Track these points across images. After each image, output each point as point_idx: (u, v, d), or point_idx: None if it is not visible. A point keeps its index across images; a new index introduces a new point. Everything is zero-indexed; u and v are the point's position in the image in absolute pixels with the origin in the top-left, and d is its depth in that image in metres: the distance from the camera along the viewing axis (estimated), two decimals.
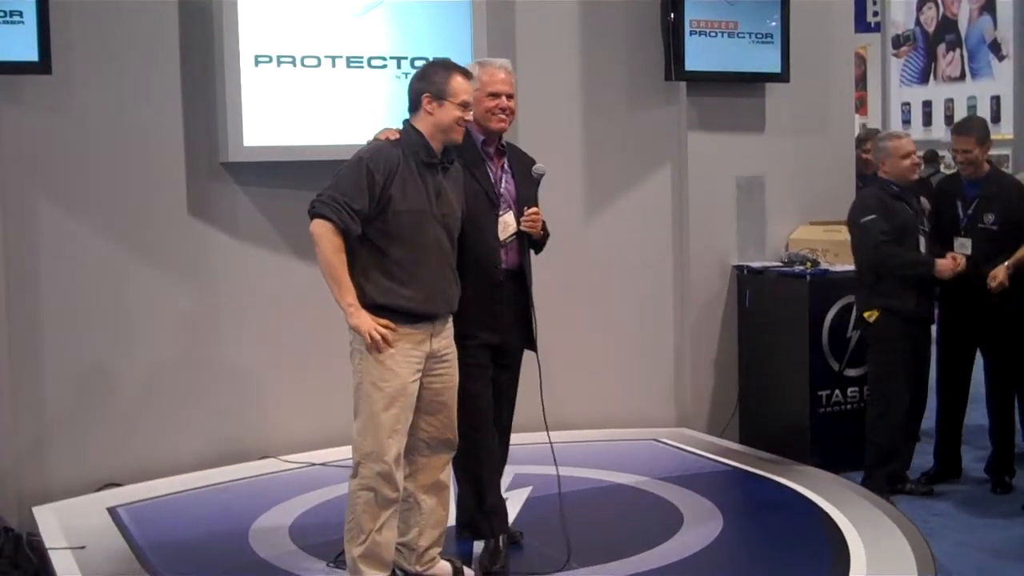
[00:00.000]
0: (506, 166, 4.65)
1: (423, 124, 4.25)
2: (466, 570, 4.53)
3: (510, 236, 4.58)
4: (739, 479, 5.79)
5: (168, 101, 5.86)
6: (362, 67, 6.11)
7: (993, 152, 8.27)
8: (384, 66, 6.15)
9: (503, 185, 4.62)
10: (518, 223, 4.57)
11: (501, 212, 4.57)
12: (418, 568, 4.43)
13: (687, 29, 6.56)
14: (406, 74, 6.16)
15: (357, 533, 4.21)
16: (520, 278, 4.63)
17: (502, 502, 4.80)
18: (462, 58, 6.18)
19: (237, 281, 6.11)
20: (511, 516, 4.96)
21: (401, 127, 4.31)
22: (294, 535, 4.97)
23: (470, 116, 4.32)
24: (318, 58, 6.02)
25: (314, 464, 6.02)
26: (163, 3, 5.83)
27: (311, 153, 6.04)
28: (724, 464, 5.98)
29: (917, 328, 5.81)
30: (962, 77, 8.75)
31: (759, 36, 6.73)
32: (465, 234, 4.42)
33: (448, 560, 4.50)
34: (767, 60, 6.77)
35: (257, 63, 5.86)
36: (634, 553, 4.71)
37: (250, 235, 6.13)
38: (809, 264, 6.46)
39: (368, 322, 4.08)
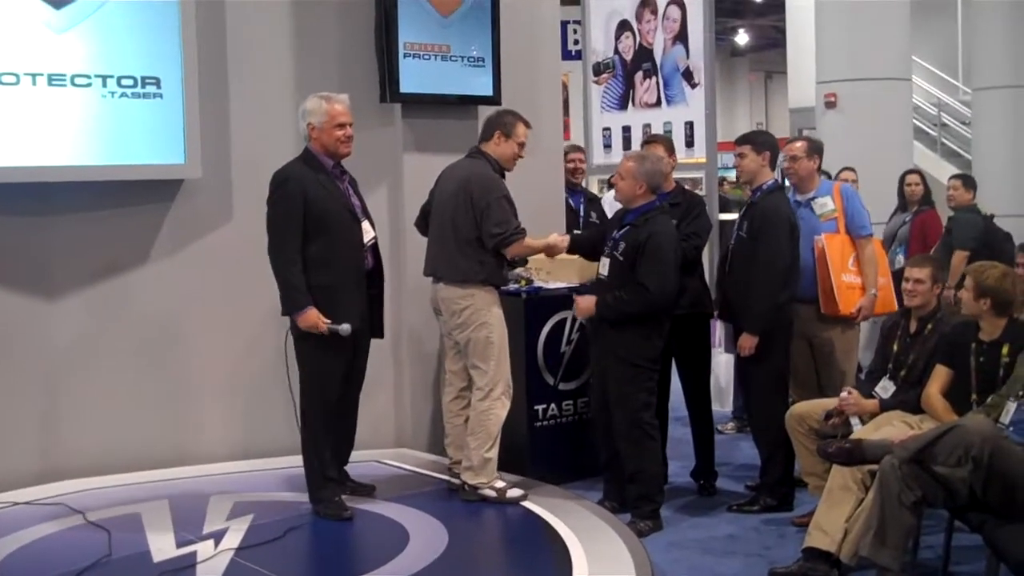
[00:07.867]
0: (347, 184, 5.54)
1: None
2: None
3: (369, 241, 5.50)
4: None
5: None
6: (65, 85, 5.86)
7: (688, 175, 8.75)
8: (89, 84, 5.92)
9: (352, 199, 5.50)
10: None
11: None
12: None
13: (401, 51, 6.62)
14: (112, 93, 5.96)
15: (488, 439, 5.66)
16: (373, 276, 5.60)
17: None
18: (173, 75, 6.07)
19: None
20: (235, 543, 5.01)
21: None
22: None
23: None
24: (16, 75, 5.74)
25: (17, 503, 5.68)
26: None
27: (8, 175, 5.75)
28: (446, 481, 6.04)
29: None
30: (659, 103, 9.14)
31: (471, 60, 6.88)
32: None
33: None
34: (479, 83, 6.91)
35: None
36: (361, 573, 4.70)
37: None
38: (524, 282, 6.60)
39: None
